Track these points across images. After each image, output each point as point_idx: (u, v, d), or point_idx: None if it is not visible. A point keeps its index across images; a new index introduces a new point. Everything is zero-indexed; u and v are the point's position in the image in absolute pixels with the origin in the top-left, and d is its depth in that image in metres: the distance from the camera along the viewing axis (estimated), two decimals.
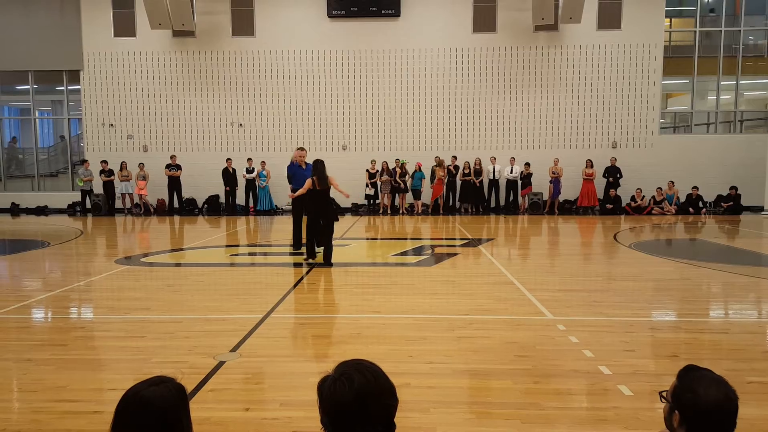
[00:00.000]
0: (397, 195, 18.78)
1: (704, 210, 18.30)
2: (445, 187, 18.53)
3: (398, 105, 19.49)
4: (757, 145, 18.75)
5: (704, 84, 20.16)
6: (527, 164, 18.51)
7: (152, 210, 19.19)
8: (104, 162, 18.95)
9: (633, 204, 18.33)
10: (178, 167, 18.84)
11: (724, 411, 1.60)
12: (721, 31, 19.33)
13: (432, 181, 18.47)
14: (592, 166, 18.48)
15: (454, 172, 18.62)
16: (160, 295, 6.95)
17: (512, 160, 18.60)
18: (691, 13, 19.81)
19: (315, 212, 8.78)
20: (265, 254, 10.65)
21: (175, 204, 19.00)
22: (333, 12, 19.10)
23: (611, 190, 18.35)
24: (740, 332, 5.33)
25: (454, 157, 18.71)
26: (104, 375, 4.24)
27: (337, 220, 9.06)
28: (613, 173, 18.46)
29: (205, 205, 19.45)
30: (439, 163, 18.41)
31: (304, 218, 9.41)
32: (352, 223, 15.84)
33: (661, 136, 19.54)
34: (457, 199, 18.98)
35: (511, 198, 18.77)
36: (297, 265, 9.17)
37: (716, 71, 19.49)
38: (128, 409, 1.52)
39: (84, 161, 19.26)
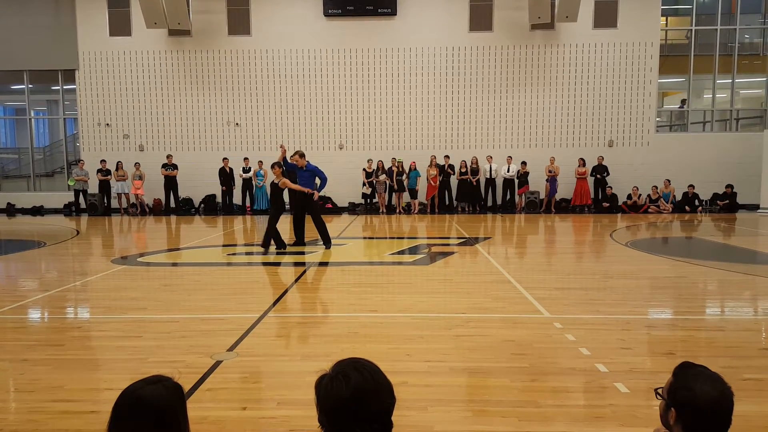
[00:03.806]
0: (393, 194, 18.78)
1: (700, 208, 18.35)
2: (439, 185, 18.55)
3: (395, 104, 19.48)
4: (752, 143, 18.82)
5: (700, 82, 20.21)
6: (524, 163, 18.53)
7: (148, 210, 19.15)
8: (103, 161, 18.93)
9: (629, 202, 18.37)
10: (175, 167, 18.80)
11: (719, 408, 1.60)
12: (716, 29, 19.37)
13: (427, 180, 18.49)
14: (584, 165, 18.52)
15: (450, 172, 18.63)
16: (156, 295, 6.93)
17: (509, 158, 18.62)
18: (687, 11, 19.85)
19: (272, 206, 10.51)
20: (262, 253, 10.61)
21: (172, 204, 18.96)
22: (329, 11, 19.08)
23: (607, 188, 18.42)
24: (736, 329, 5.34)
25: (447, 157, 18.71)
26: (101, 375, 4.23)
27: (277, 212, 10.29)
28: (600, 171, 18.53)
29: (202, 205, 19.42)
30: (431, 162, 18.43)
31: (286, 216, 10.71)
32: (349, 222, 15.83)
33: (657, 134, 19.59)
34: (454, 198, 19.00)
35: (508, 197, 18.77)
36: (294, 264, 9.17)
37: (712, 70, 19.56)
38: (125, 409, 1.52)
39: (79, 161, 19.22)
